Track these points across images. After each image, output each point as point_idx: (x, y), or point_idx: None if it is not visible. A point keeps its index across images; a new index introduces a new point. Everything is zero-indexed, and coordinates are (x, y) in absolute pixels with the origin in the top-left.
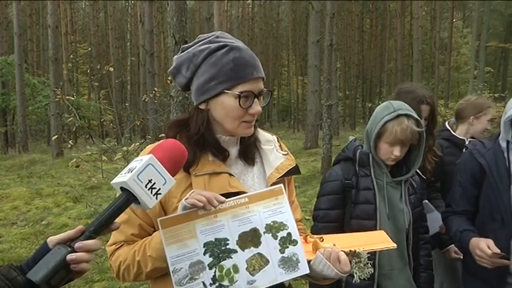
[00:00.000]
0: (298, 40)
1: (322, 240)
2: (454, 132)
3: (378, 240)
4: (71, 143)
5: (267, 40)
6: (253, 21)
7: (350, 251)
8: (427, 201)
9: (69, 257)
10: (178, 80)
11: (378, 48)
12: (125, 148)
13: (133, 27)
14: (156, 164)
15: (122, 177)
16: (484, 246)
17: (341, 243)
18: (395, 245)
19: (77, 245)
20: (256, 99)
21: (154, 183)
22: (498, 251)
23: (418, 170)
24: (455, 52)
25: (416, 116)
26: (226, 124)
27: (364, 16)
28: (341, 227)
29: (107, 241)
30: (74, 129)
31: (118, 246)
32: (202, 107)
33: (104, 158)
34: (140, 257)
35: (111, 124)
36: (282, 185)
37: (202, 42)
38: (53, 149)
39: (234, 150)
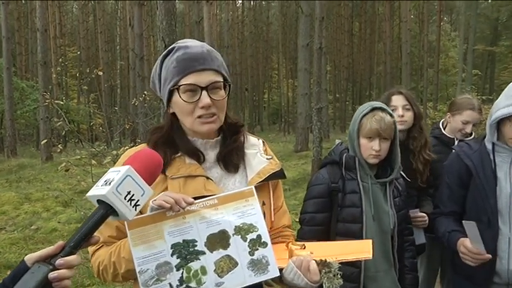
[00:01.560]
0: (288, 43)
1: (304, 248)
2: (444, 130)
3: (358, 250)
4: (60, 148)
5: (257, 43)
6: (243, 25)
7: (321, 260)
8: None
9: (51, 275)
10: (157, 91)
11: (367, 51)
12: (114, 152)
13: (122, 31)
14: (134, 175)
15: (100, 190)
16: (468, 244)
17: (319, 251)
18: (370, 256)
19: (58, 262)
20: (205, 92)
21: (133, 195)
22: (482, 250)
23: (403, 172)
24: (443, 55)
25: (390, 111)
26: (185, 122)
27: (354, 19)
28: (327, 230)
29: None
30: (63, 133)
31: (98, 247)
32: (170, 110)
33: (93, 162)
34: (115, 258)
35: (100, 128)
36: (253, 186)
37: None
38: (42, 153)
39: (212, 154)
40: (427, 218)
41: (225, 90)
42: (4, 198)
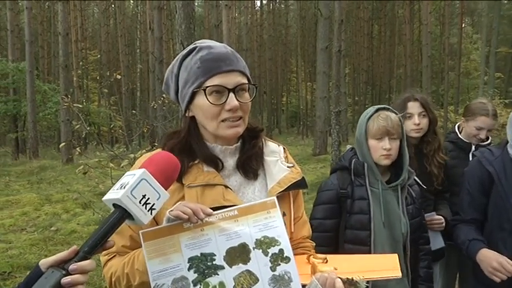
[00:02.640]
0: (307, 46)
1: (326, 262)
2: (460, 134)
3: (385, 266)
4: (79, 150)
5: (276, 46)
6: (261, 28)
7: (347, 278)
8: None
9: (64, 280)
10: (170, 94)
11: (387, 54)
12: (132, 155)
13: (142, 34)
14: (149, 179)
15: (114, 194)
16: (503, 261)
17: (343, 266)
18: (399, 275)
19: (71, 267)
20: (232, 94)
21: (148, 199)
22: None
23: (418, 177)
24: (465, 58)
25: (395, 111)
26: (208, 126)
27: (373, 22)
28: (336, 237)
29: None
30: (83, 136)
31: (110, 257)
32: (188, 114)
33: (111, 164)
34: (129, 269)
35: (120, 130)
36: (275, 197)
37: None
38: (63, 155)
39: (231, 161)
40: (443, 220)
41: (248, 92)
42: (25, 199)
